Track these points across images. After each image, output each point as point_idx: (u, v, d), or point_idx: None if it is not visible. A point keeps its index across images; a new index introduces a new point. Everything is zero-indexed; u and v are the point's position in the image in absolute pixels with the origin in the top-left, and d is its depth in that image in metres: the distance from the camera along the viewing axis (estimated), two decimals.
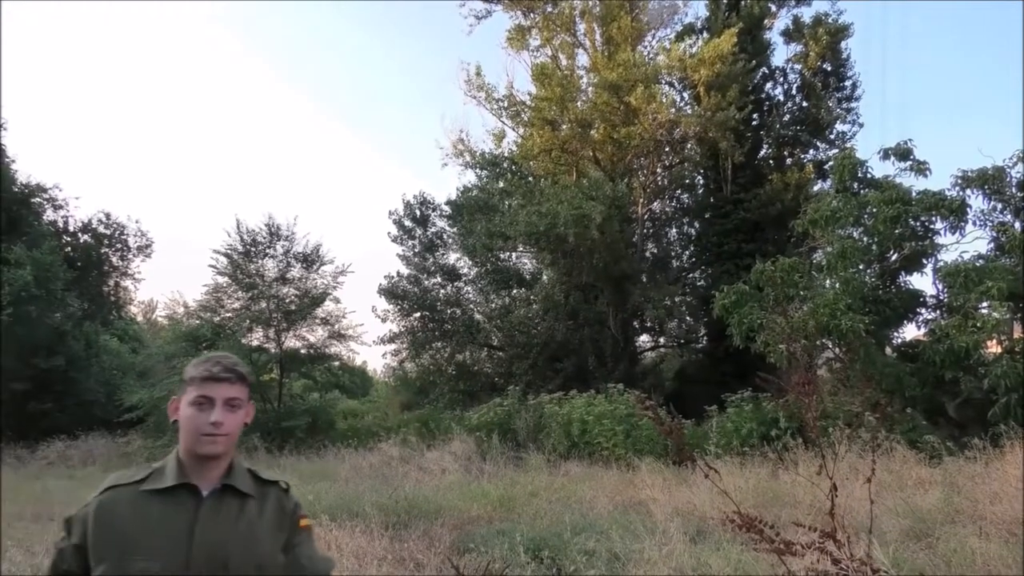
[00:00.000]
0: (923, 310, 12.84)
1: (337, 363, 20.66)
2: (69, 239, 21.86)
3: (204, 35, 62.25)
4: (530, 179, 21.74)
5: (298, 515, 1.71)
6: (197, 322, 18.89)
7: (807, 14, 21.54)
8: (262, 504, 1.66)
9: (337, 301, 19.00)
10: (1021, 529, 5.76)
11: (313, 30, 62.55)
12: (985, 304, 11.04)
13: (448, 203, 22.19)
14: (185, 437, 1.62)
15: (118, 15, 59.20)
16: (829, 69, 21.24)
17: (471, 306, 22.13)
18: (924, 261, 12.67)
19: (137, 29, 60.21)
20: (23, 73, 52.79)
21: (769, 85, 21.99)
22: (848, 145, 20.18)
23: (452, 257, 22.56)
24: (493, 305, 21.82)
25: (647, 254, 22.05)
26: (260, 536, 1.61)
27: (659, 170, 22.10)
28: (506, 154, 23.07)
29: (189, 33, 61.89)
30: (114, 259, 22.61)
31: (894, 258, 12.88)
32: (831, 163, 15.19)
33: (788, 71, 21.96)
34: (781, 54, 22.15)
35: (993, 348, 11.29)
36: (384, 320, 21.79)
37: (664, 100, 20.46)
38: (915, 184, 12.79)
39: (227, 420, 1.61)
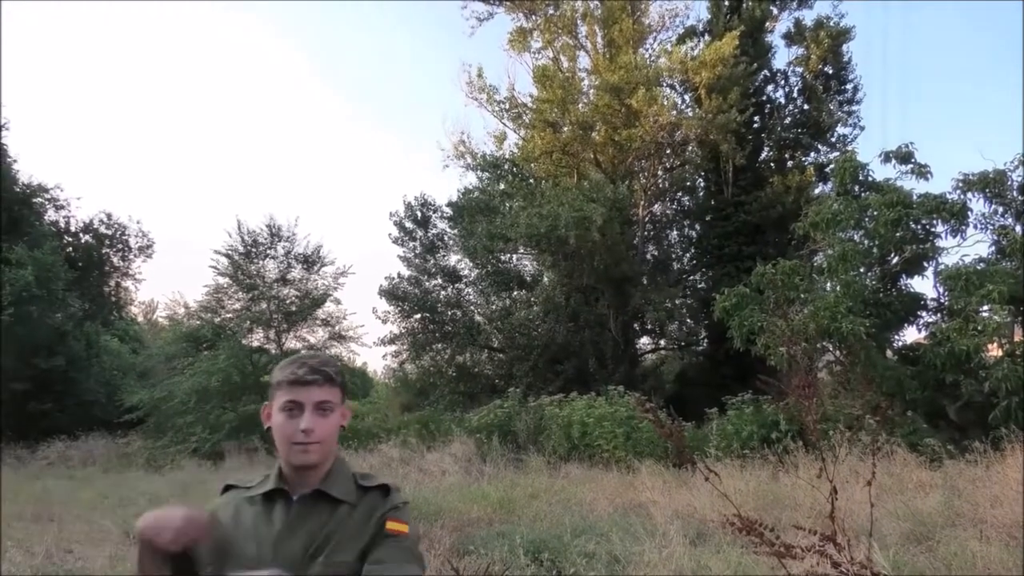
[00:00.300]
0: (924, 313, 12.85)
1: (337, 364, 20.68)
2: (70, 239, 21.87)
3: (203, 35, 62.32)
4: (531, 181, 21.75)
5: (386, 518, 1.50)
6: (198, 323, 18.93)
7: (808, 17, 21.57)
8: (355, 510, 1.51)
9: (338, 302, 19.09)
10: (1022, 532, 5.75)
11: (312, 25, 62.61)
12: (986, 307, 11.04)
13: (449, 205, 22.22)
14: (278, 446, 1.51)
15: (118, 15, 59.29)
16: (830, 72, 21.25)
17: (472, 308, 22.13)
18: (925, 264, 12.68)
19: (137, 29, 60.29)
20: (24, 73, 52.89)
21: (770, 88, 22.01)
22: (849, 148, 20.18)
23: (453, 259, 22.58)
24: (494, 307, 21.82)
25: (648, 256, 22.05)
26: (342, 543, 1.46)
27: (660, 172, 22.11)
28: (507, 156, 23.09)
29: (187, 34, 62.00)
30: (115, 259, 22.62)
31: (895, 261, 12.88)
32: (832, 166, 15.20)
33: (789, 74, 21.99)
34: (782, 57, 22.17)
35: (994, 351, 11.29)
36: (384, 321, 21.80)
37: (665, 103, 20.47)
38: (916, 187, 12.81)
39: (318, 426, 1.49)
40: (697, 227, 22.64)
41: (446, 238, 22.66)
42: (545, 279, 21.47)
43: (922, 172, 12.91)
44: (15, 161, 20.23)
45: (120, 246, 22.53)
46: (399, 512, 1.52)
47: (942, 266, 12.29)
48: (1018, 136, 31.48)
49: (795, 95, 21.85)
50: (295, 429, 1.47)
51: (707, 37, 21.38)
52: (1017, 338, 11.63)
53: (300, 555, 1.44)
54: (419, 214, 22.80)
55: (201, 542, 1.39)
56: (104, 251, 22.27)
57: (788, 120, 21.46)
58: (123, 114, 64.41)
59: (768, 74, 21.67)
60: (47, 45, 55.94)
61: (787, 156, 21.52)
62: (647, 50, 22.45)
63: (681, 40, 21.89)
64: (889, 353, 13.07)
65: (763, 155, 21.72)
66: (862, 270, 12.80)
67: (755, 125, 21.27)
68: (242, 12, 60.80)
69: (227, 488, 1.61)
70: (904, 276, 13.02)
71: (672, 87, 21.66)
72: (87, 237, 22.14)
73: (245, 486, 1.58)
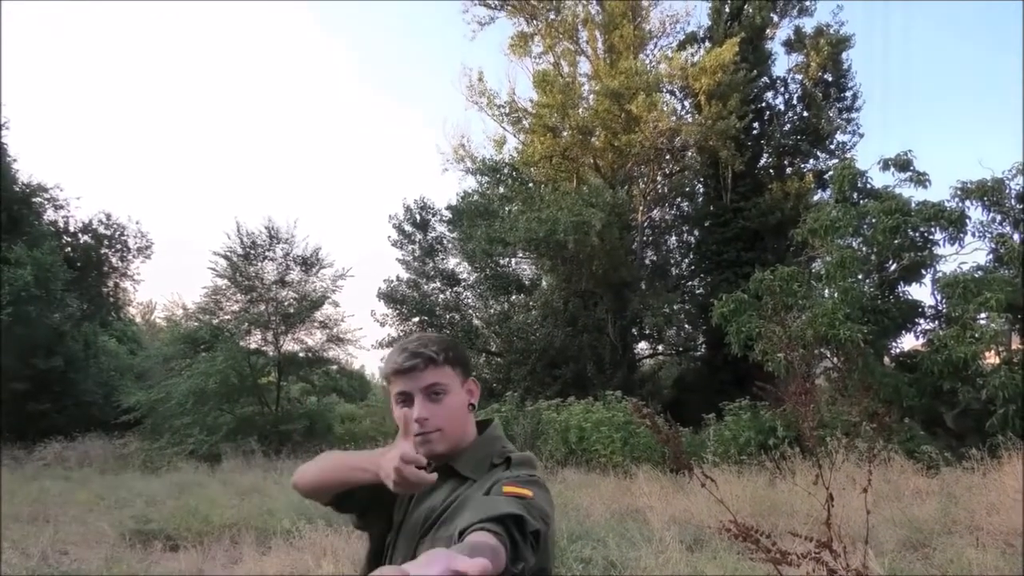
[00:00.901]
0: (922, 320, 12.87)
1: (335, 367, 20.67)
2: (69, 239, 21.84)
3: (201, 36, 62.40)
4: (530, 185, 21.77)
5: (503, 483, 1.33)
6: (196, 324, 18.90)
7: (809, 25, 21.63)
8: (478, 483, 1.38)
9: (336, 305, 19.04)
10: (1018, 540, 5.76)
11: (312, 27, 62.73)
12: (983, 315, 11.06)
13: (448, 208, 22.24)
14: (399, 438, 1.46)
15: (116, 16, 59.34)
16: (830, 79, 21.30)
17: (470, 311, 22.13)
18: (923, 271, 12.71)
19: (135, 30, 60.33)
20: (24, 73, 52.89)
21: (770, 95, 22.05)
22: (848, 155, 20.22)
23: (452, 262, 22.58)
24: (492, 311, 21.82)
25: (646, 261, 22.07)
26: (451, 517, 1.33)
27: (659, 178, 22.15)
28: (507, 160, 23.11)
29: (186, 35, 62.06)
30: (114, 260, 22.59)
31: (893, 268, 12.91)
32: (831, 173, 15.23)
33: (789, 81, 22.03)
34: (782, 64, 22.23)
35: (991, 359, 11.32)
36: (383, 324, 21.77)
37: (665, 108, 20.51)
38: (914, 195, 12.87)
39: (433, 413, 1.38)
40: (696, 233, 22.67)
41: (445, 241, 22.67)
42: (544, 283, 21.48)
43: (920, 180, 12.96)
44: (15, 161, 20.24)
45: (119, 247, 22.51)
46: (519, 480, 1.33)
47: (940, 273, 12.33)
48: (1016, 145, 31.57)
49: (795, 102, 21.91)
50: (411, 420, 1.39)
51: (707, 43, 21.44)
52: (1014, 346, 11.67)
53: (416, 530, 1.39)
54: (418, 217, 22.81)
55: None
56: (103, 251, 22.24)
57: (787, 127, 21.50)
58: (122, 114, 64.43)
59: (768, 81, 21.73)
60: (47, 45, 55.98)
61: (786, 163, 21.55)
62: (647, 56, 22.52)
63: (681, 46, 21.95)
64: (887, 360, 13.09)
65: (762, 161, 21.76)
66: (860, 277, 12.83)
67: (754, 131, 21.31)
68: (242, 12, 60.91)
69: None
70: (902, 283, 13.05)
71: (672, 93, 21.72)
72: (86, 237, 22.12)
73: None
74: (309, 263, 18.65)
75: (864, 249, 12.83)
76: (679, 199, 23.27)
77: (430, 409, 1.38)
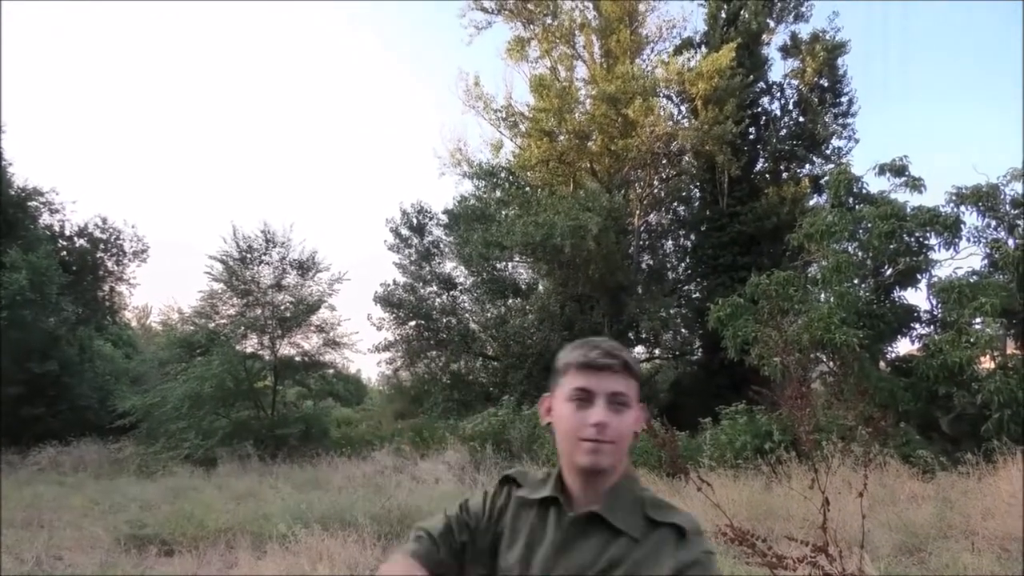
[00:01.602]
0: (917, 325, 12.90)
1: (331, 371, 20.61)
2: (65, 243, 21.77)
3: (198, 40, 62.41)
4: (527, 189, 21.81)
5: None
6: (191, 328, 18.84)
7: (804, 31, 21.77)
8: (638, 547, 1.22)
9: (332, 309, 18.98)
10: (1013, 544, 5.77)
11: (310, 30, 62.79)
12: (978, 320, 11.10)
13: (445, 212, 22.26)
14: (562, 442, 1.27)
15: (112, 19, 59.33)
16: (826, 85, 21.41)
17: (467, 315, 22.14)
18: (918, 276, 12.75)
19: (131, 33, 60.35)
20: (19, 77, 52.82)
21: (766, 100, 22.16)
22: (844, 160, 20.32)
23: (448, 266, 22.60)
24: (489, 314, 21.83)
25: (643, 266, 22.11)
26: None
27: (656, 182, 22.20)
28: (503, 164, 23.16)
29: (183, 38, 62.06)
30: (109, 264, 22.53)
31: (888, 273, 12.94)
32: (827, 178, 15.30)
33: (785, 86, 22.16)
34: (778, 69, 22.34)
35: (986, 364, 11.35)
36: (379, 328, 21.79)
37: (662, 113, 20.60)
38: (910, 200, 12.90)
39: (612, 422, 1.22)
40: (692, 237, 22.72)
41: (441, 245, 22.69)
42: (540, 287, 21.50)
43: (916, 185, 13.00)
44: (10, 165, 20.19)
45: (114, 250, 22.44)
46: (703, 569, 1.20)
47: (935, 278, 12.37)
48: (1009, 150, 31.69)
49: (790, 107, 22.02)
50: (583, 422, 1.22)
51: (704, 49, 21.53)
52: (1009, 351, 11.69)
53: None
54: (415, 221, 22.83)
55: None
56: (98, 255, 22.18)
57: (783, 132, 21.59)
58: (117, 119, 64.37)
59: (764, 86, 21.83)
60: (43, 48, 55.95)
61: (782, 168, 21.63)
62: (644, 61, 22.61)
63: (678, 51, 22.04)
64: (882, 364, 13.12)
65: (758, 166, 21.83)
66: (856, 281, 12.86)
67: (751, 136, 21.39)
68: (241, 13, 60.92)
69: (506, 480, 1.40)
70: (897, 288, 13.09)
71: (668, 98, 21.81)
72: (82, 241, 22.05)
73: (524, 482, 1.36)
74: (305, 267, 18.60)
75: (860, 254, 12.86)
76: (675, 203, 23.34)
77: (611, 417, 1.23)
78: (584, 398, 1.23)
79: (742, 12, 21.06)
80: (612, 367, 1.24)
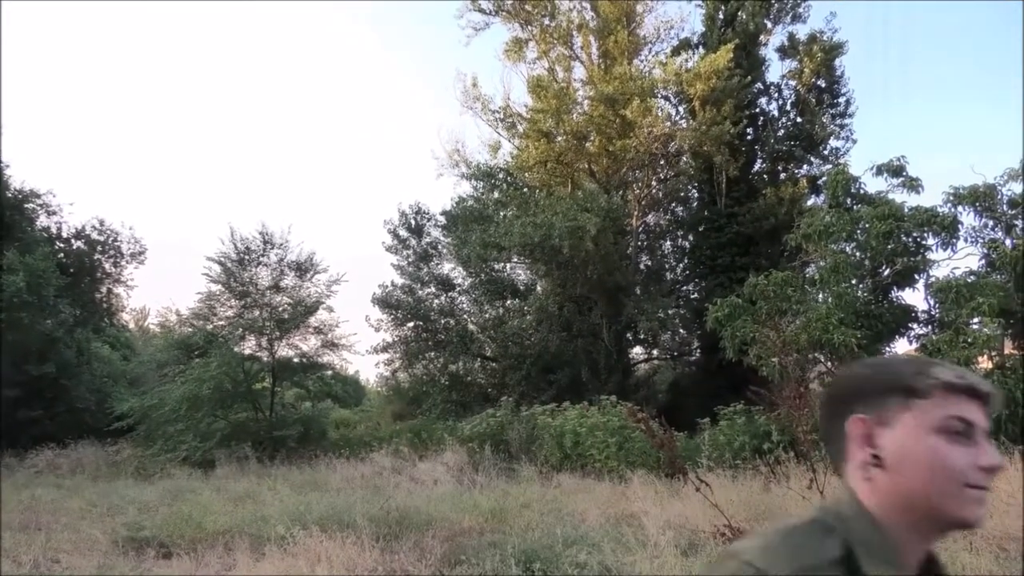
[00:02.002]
0: (915, 325, 12.91)
1: (330, 372, 20.62)
2: (62, 245, 21.75)
3: (195, 41, 62.34)
4: (525, 190, 21.81)
5: None
6: (189, 330, 18.83)
7: (802, 31, 21.77)
8: None
9: (330, 310, 18.98)
10: (1011, 544, 5.77)
11: (309, 30, 62.78)
12: (976, 320, 11.11)
13: (443, 213, 22.26)
14: (928, 487, 0.94)
15: (110, 20, 59.30)
16: (823, 85, 21.42)
17: (465, 316, 22.14)
18: (916, 277, 12.76)
19: (129, 35, 60.28)
20: (16, 78, 52.71)
21: (764, 100, 22.17)
22: (841, 161, 20.29)
23: (446, 267, 22.61)
24: (487, 316, 21.83)
25: (641, 266, 22.11)
26: None
27: (654, 183, 22.21)
28: (501, 165, 23.17)
29: (179, 39, 62.04)
30: (107, 266, 22.50)
31: (886, 273, 12.96)
32: (824, 178, 15.32)
33: (783, 87, 22.15)
34: (776, 70, 22.35)
35: (984, 364, 11.35)
36: (377, 329, 21.80)
37: (660, 114, 20.59)
38: (907, 200, 12.91)
39: None
40: (690, 238, 22.73)
41: (440, 246, 22.70)
42: (538, 288, 21.51)
43: (913, 185, 13.02)
44: (7, 166, 20.18)
45: (112, 252, 22.42)
46: None
47: (933, 279, 12.38)
48: (1008, 150, 31.73)
49: (788, 108, 22.02)
50: (972, 464, 0.94)
51: (701, 49, 21.54)
52: (1007, 351, 11.70)
53: None
54: (413, 222, 22.84)
55: None
56: (96, 257, 22.15)
57: (781, 132, 21.60)
58: (115, 120, 64.31)
59: (762, 87, 21.84)
60: (41, 49, 55.87)
61: (780, 168, 21.65)
62: (642, 61, 22.62)
63: (676, 52, 22.03)
64: None
65: (756, 167, 21.84)
66: (854, 282, 12.88)
67: (748, 137, 21.39)
68: (240, 13, 60.90)
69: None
70: (895, 288, 13.10)
71: (666, 98, 21.81)
72: (79, 243, 22.02)
73: (823, 562, 0.91)
74: (303, 268, 18.60)
75: (857, 254, 12.88)
76: (673, 204, 23.34)
77: None
78: (964, 432, 0.95)
79: (739, 13, 21.07)
80: (992, 397, 0.98)
